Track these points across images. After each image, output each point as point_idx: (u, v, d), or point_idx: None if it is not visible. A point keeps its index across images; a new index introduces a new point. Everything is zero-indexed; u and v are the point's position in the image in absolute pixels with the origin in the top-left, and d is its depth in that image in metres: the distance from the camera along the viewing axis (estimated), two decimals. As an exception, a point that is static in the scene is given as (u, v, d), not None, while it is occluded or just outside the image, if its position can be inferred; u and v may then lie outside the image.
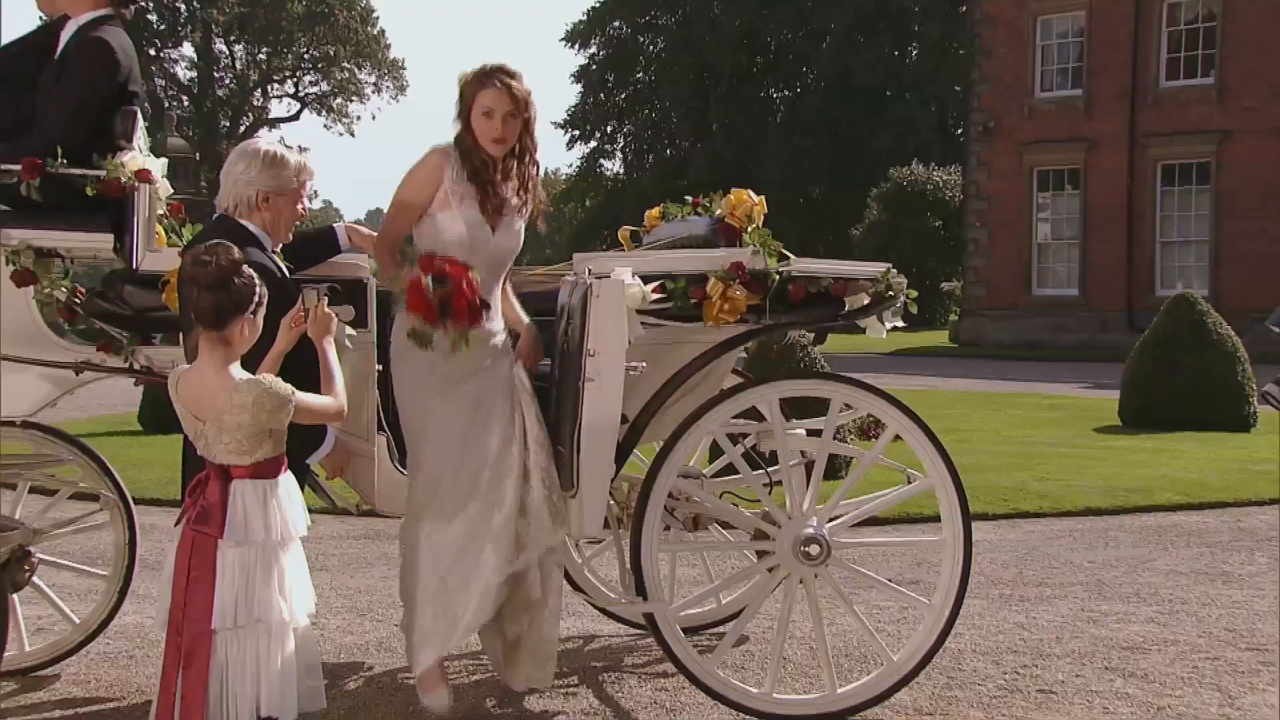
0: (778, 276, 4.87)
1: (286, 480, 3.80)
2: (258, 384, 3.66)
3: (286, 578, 3.71)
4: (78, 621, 5.55)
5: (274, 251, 4.35)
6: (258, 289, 3.73)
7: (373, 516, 5.61)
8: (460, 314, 4.32)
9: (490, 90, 4.41)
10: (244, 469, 3.68)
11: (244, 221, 4.27)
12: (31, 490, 5.75)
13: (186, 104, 58.69)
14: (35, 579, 5.37)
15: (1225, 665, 5.65)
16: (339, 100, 61.36)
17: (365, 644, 6.00)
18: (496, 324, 4.68)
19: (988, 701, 5.17)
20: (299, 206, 4.37)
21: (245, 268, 3.71)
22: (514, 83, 4.43)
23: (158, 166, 4.76)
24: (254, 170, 4.27)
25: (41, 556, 5.39)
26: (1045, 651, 5.86)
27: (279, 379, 3.75)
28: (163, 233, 4.78)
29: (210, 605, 3.60)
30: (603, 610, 6.23)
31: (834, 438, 5.04)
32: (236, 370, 3.71)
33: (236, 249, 3.77)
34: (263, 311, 3.77)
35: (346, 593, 7.00)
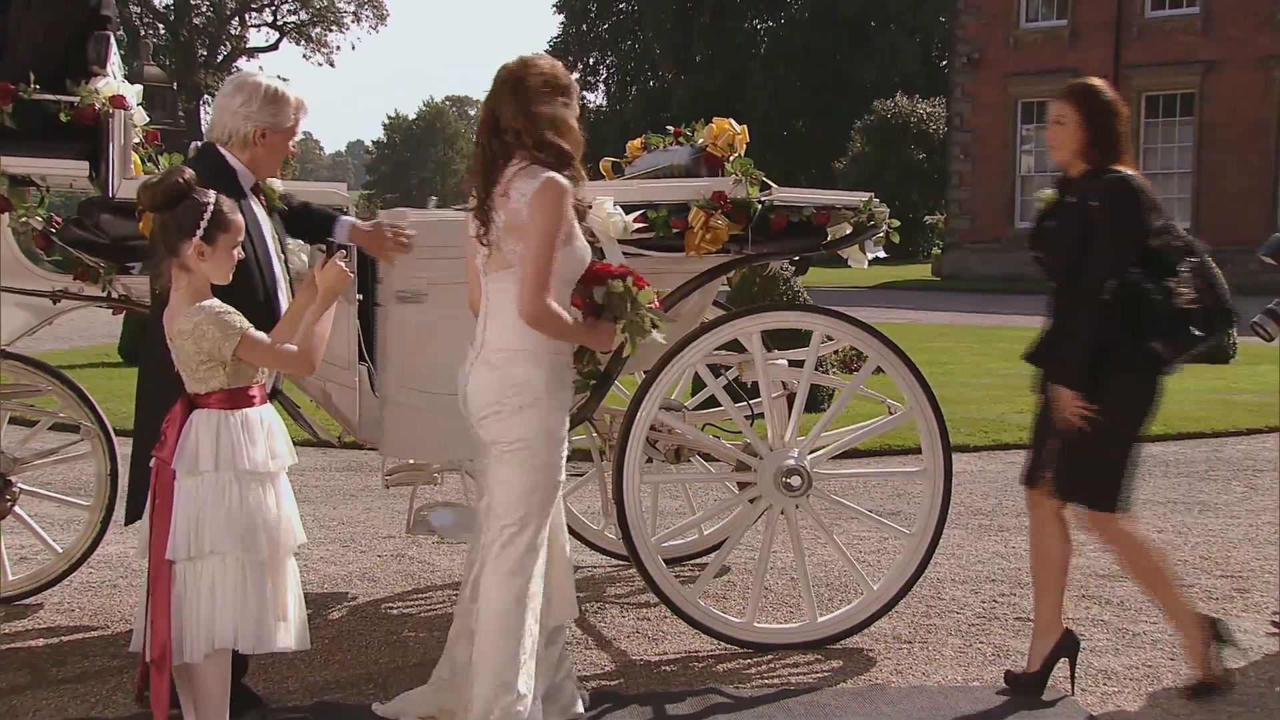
0: (760, 205, 4.85)
1: (258, 413, 3.71)
2: (200, 310, 3.59)
3: (247, 510, 3.61)
4: (60, 551, 5.55)
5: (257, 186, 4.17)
6: (208, 212, 3.60)
7: (354, 449, 5.60)
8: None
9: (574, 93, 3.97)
10: (204, 398, 3.64)
11: (228, 155, 4.06)
12: (11, 421, 5.74)
13: (163, 32, 57.86)
14: (17, 509, 5.38)
15: (1200, 593, 5.72)
16: (318, 29, 60.59)
17: (348, 574, 6.03)
18: None
19: (966, 629, 5.22)
20: (290, 145, 4.21)
21: (195, 191, 3.61)
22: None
23: (132, 93, 4.70)
24: (253, 105, 4.05)
25: (23, 486, 5.39)
26: (1023, 580, 5.91)
27: (230, 309, 3.64)
28: (139, 160, 4.72)
29: (166, 534, 3.58)
30: (585, 541, 6.26)
31: (816, 369, 5.05)
32: (203, 298, 3.65)
33: (188, 172, 3.67)
34: (226, 238, 3.65)
35: (329, 524, 7.02)
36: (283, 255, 4.15)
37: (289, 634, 3.72)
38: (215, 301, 3.65)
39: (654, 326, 3.98)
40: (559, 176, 3.79)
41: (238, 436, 3.63)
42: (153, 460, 3.66)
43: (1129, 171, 4.33)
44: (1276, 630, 5.11)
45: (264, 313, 3.87)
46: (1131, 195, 4.28)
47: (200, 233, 3.60)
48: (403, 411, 4.85)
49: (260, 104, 4.06)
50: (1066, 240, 4.33)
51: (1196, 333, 4.31)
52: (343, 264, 3.84)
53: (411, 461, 5.32)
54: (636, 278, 3.97)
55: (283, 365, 3.85)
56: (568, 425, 3.99)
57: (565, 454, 3.96)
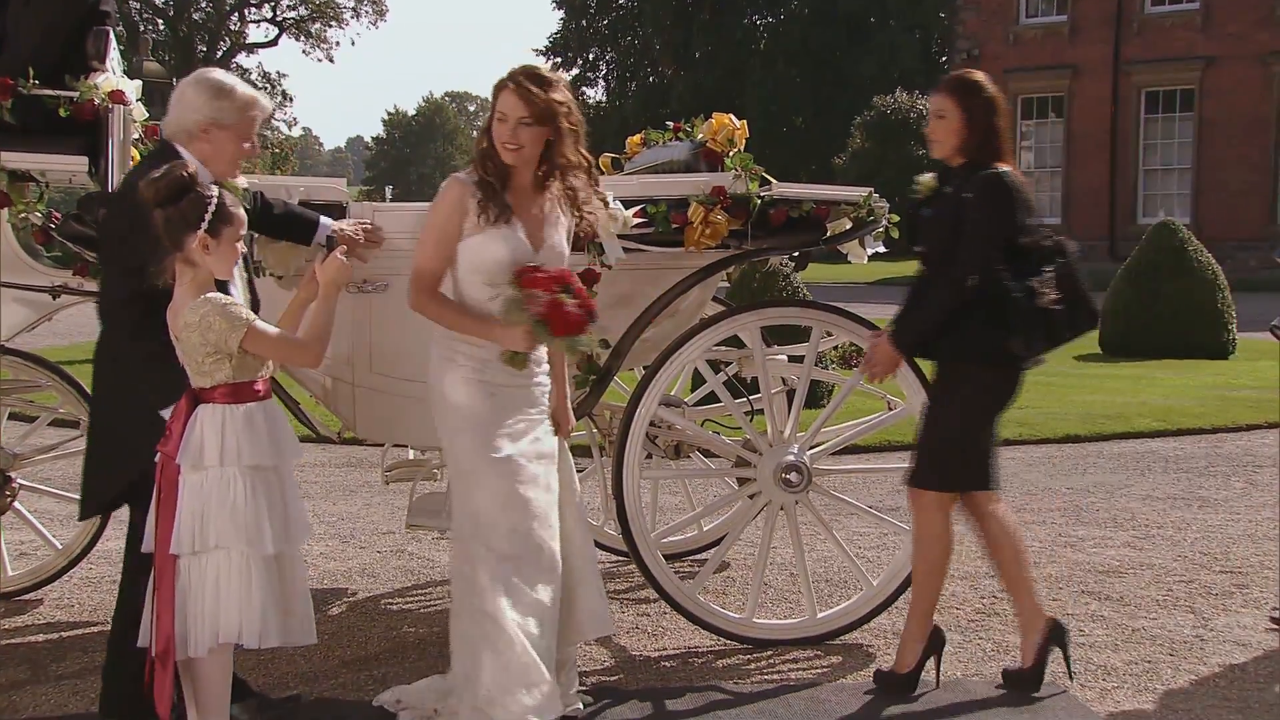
0: (759, 200, 4.85)
1: (262, 407, 3.71)
2: (207, 303, 3.59)
3: (252, 506, 3.61)
4: (60, 547, 5.55)
5: (214, 184, 3.91)
6: (211, 206, 3.60)
7: (354, 444, 5.61)
8: (594, 311, 3.98)
9: (505, 94, 3.96)
10: (209, 392, 3.64)
11: (182, 149, 3.93)
12: (11, 416, 5.74)
13: (162, 28, 57.80)
14: (16, 504, 5.38)
15: (1199, 588, 5.72)
16: (317, 25, 60.50)
17: (348, 570, 6.03)
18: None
19: (965, 625, 5.22)
20: (245, 144, 4.02)
21: (198, 185, 3.61)
22: (535, 90, 3.92)
23: (132, 88, 4.69)
24: (199, 99, 3.94)
25: (22, 482, 5.39)
26: (1023, 576, 5.91)
27: (236, 301, 3.66)
28: (138, 156, 4.71)
29: (171, 529, 3.58)
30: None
31: (815, 365, 5.05)
32: (208, 291, 3.65)
33: (191, 165, 3.68)
34: (230, 231, 3.64)
35: (328, 519, 7.02)
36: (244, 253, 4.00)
37: (294, 628, 3.73)
38: (220, 294, 3.66)
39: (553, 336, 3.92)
40: (458, 175, 4.06)
41: (243, 431, 3.63)
42: (157, 455, 3.66)
43: (1005, 168, 4.39)
44: (1275, 626, 5.11)
45: None
46: (1004, 191, 4.34)
47: (205, 226, 3.60)
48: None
49: (205, 98, 3.94)
50: (941, 229, 4.40)
51: (1058, 332, 4.39)
52: (343, 258, 3.86)
53: (411, 456, 5.33)
54: (542, 283, 3.90)
55: (288, 357, 3.87)
56: (500, 421, 3.98)
57: (509, 450, 3.95)
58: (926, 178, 4.64)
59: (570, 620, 4.11)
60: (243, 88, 4.02)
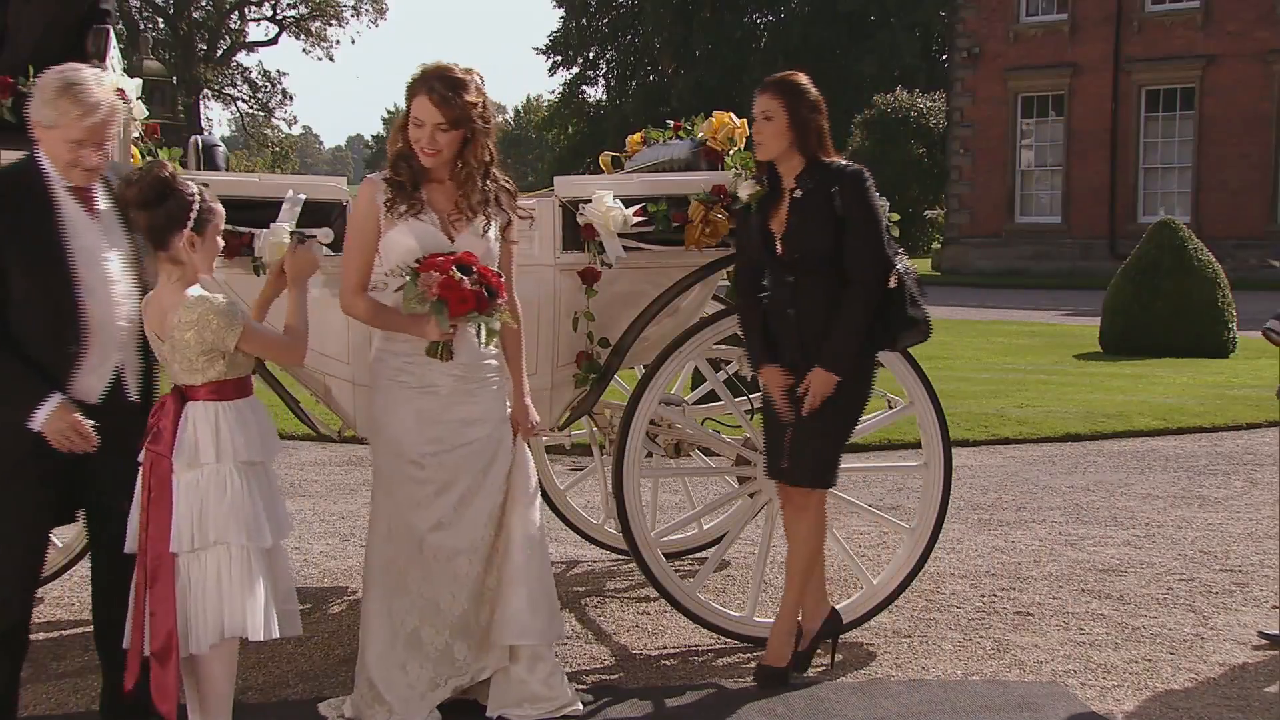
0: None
1: (249, 404, 3.73)
2: (205, 301, 3.61)
3: (249, 500, 3.63)
4: (60, 545, 5.54)
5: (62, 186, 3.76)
6: (195, 202, 3.61)
7: (354, 443, 5.61)
8: (499, 289, 4.00)
9: (421, 99, 3.98)
10: (198, 389, 3.65)
11: (38, 152, 3.76)
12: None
13: (162, 26, 57.75)
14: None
15: (1199, 587, 5.72)
16: (317, 24, 60.45)
17: (349, 569, 6.03)
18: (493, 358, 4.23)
19: (966, 624, 5.22)
20: (94, 152, 3.72)
21: (178, 182, 3.62)
22: (450, 95, 3.95)
23: (132, 86, 4.68)
24: (38, 97, 3.74)
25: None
26: (1023, 574, 5.92)
27: (233, 301, 3.68)
28: (138, 154, 4.71)
29: (168, 527, 3.58)
30: (585, 536, 6.26)
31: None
32: (194, 290, 3.66)
33: (168, 165, 3.70)
34: (212, 227, 3.67)
35: (328, 518, 7.02)
36: (115, 257, 3.82)
37: (285, 621, 3.75)
38: (214, 294, 3.68)
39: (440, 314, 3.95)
40: (371, 176, 4.13)
41: (235, 427, 3.65)
42: (143, 453, 3.66)
43: (852, 163, 4.52)
44: (1264, 643, 4.96)
45: (63, 314, 3.69)
46: (871, 185, 4.46)
47: (191, 224, 3.61)
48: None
49: (42, 99, 3.73)
50: (823, 231, 4.41)
51: (915, 320, 4.49)
52: (313, 250, 3.93)
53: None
54: (438, 265, 3.94)
55: (277, 355, 3.92)
56: (423, 425, 4.08)
57: (426, 456, 4.06)
58: (754, 187, 4.63)
59: (492, 624, 4.17)
60: (90, 96, 3.73)
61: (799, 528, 4.60)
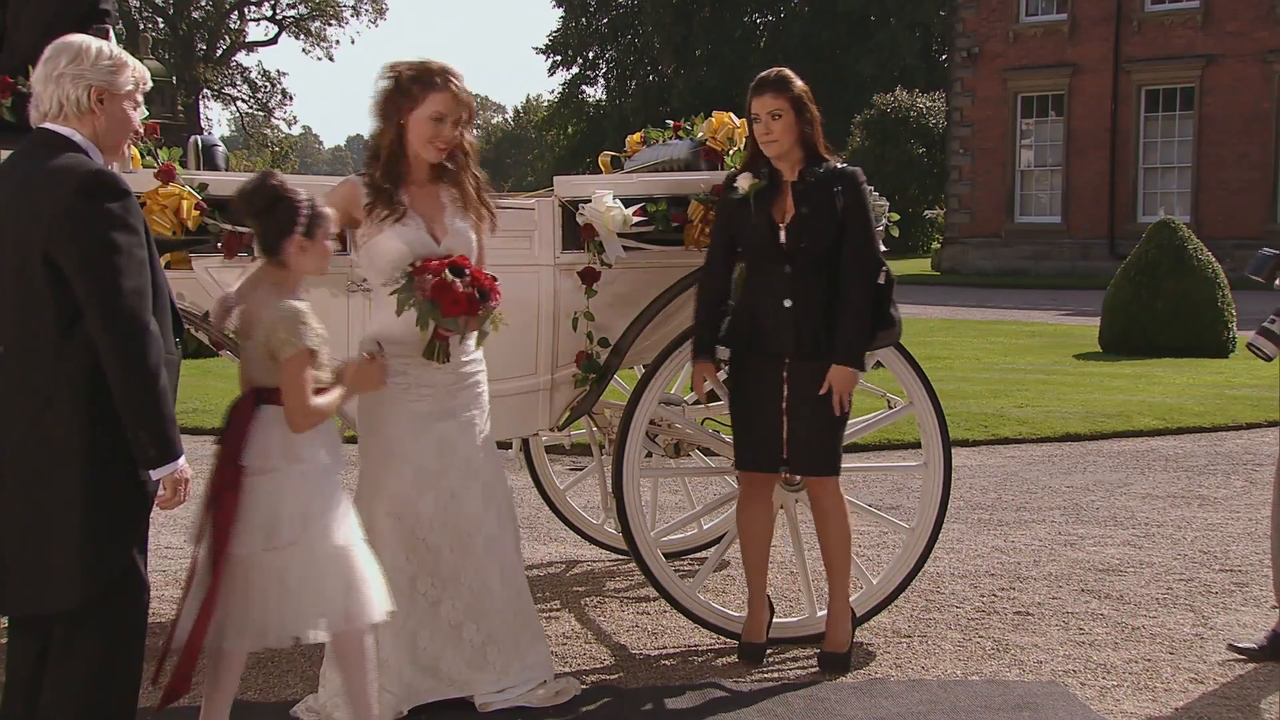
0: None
1: None
2: (285, 308, 3.60)
3: (321, 501, 3.64)
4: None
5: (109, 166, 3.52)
6: (304, 207, 3.63)
7: (355, 443, 5.57)
8: (493, 293, 4.00)
9: (442, 95, 3.98)
10: (274, 392, 3.63)
11: (65, 129, 3.39)
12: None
13: (162, 26, 57.77)
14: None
15: (1199, 586, 5.72)
16: (317, 24, 60.48)
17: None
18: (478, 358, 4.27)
19: (965, 624, 5.22)
20: (134, 120, 3.54)
21: (287, 189, 3.64)
22: (465, 87, 4.04)
23: (132, 87, 4.67)
24: (84, 64, 3.38)
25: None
26: (1023, 574, 5.92)
27: (313, 325, 3.60)
28: (138, 154, 4.71)
29: (231, 527, 3.54)
30: (585, 536, 6.26)
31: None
32: (292, 300, 3.63)
33: (277, 173, 3.74)
34: (322, 231, 3.68)
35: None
36: None
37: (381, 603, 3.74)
38: (304, 307, 3.64)
39: (433, 316, 3.97)
40: (351, 177, 4.14)
41: (313, 432, 3.65)
42: (214, 452, 3.65)
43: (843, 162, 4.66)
44: (1238, 655, 4.80)
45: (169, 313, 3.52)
46: (866, 184, 4.64)
47: (302, 229, 3.63)
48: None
49: (91, 61, 3.42)
50: (827, 227, 4.54)
51: (893, 320, 4.68)
52: (379, 372, 3.95)
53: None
54: (431, 267, 3.94)
55: (290, 404, 3.64)
56: (408, 431, 4.16)
57: (410, 459, 4.14)
58: (751, 180, 4.64)
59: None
60: (129, 56, 3.54)
61: (827, 525, 4.73)
